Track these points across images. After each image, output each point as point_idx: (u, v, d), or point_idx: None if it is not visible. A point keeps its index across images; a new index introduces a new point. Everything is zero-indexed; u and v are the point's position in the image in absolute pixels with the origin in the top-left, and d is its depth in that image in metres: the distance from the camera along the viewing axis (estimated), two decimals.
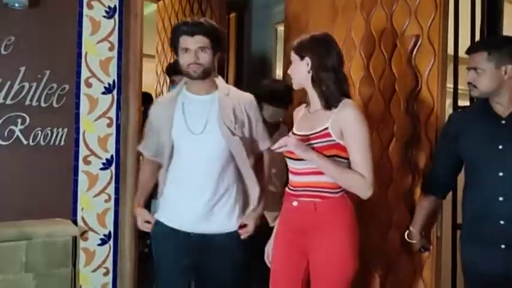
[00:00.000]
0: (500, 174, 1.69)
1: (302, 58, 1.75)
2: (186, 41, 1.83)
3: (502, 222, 1.67)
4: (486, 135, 1.78)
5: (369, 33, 2.49)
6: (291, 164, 1.79)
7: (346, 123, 1.68)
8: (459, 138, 1.87)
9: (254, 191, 1.94)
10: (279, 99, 2.35)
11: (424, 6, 2.27)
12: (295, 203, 1.75)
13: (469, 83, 1.80)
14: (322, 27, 2.70)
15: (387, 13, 2.41)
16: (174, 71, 2.61)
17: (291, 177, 1.80)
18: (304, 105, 1.89)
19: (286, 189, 1.84)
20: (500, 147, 1.71)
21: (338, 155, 1.71)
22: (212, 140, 1.85)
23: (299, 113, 1.91)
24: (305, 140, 1.72)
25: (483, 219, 1.75)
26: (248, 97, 1.99)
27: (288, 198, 1.82)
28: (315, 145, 1.70)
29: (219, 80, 1.96)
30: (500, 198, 1.68)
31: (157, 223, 1.91)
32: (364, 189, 1.67)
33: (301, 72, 1.75)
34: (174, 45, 1.90)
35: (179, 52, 1.87)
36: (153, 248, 1.95)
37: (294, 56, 1.78)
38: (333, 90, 1.72)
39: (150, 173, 2.01)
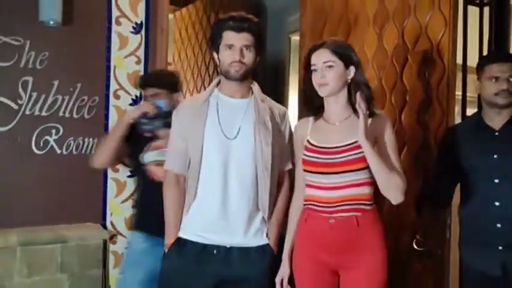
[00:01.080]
0: (496, 181, 1.86)
1: (347, 66, 1.70)
2: (231, 37, 1.72)
3: (498, 225, 1.84)
4: (482, 146, 1.95)
5: (381, 48, 2.65)
6: (318, 179, 1.71)
7: (383, 132, 1.68)
8: (456, 150, 2.03)
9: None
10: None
11: (434, 22, 2.43)
12: (331, 221, 1.66)
13: (506, 90, 1.91)
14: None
15: (399, 29, 2.57)
16: (146, 83, 2.19)
17: (316, 192, 1.71)
18: (310, 118, 1.82)
19: (309, 206, 1.74)
20: (495, 156, 1.87)
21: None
22: (245, 146, 1.75)
23: (304, 125, 1.83)
24: (339, 152, 1.68)
25: (481, 222, 1.91)
26: (283, 109, 1.91)
27: (315, 216, 1.71)
28: (356, 155, 1.66)
29: (255, 86, 1.86)
30: (497, 203, 1.85)
31: (182, 242, 1.76)
32: (400, 192, 1.65)
33: (341, 79, 1.70)
34: (214, 40, 1.78)
35: (220, 48, 1.76)
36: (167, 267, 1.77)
37: (336, 61, 1.69)
38: (370, 99, 1.71)
39: (179, 197, 1.81)
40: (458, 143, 2.03)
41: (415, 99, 2.50)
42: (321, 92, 1.72)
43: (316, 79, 1.70)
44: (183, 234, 1.78)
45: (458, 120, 2.61)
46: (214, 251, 1.74)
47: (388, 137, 1.71)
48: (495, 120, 1.96)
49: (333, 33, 2.92)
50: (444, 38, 2.39)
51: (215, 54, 1.81)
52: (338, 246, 1.68)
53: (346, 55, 1.71)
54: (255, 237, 1.78)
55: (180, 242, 1.77)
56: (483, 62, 2.04)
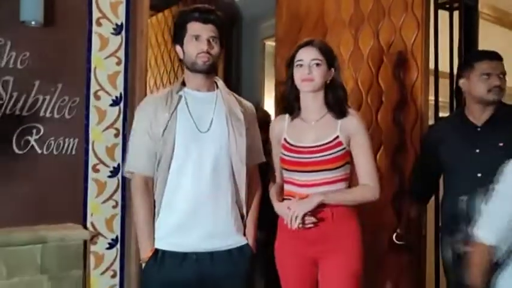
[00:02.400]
0: (479, 175, 1.98)
1: (330, 66, 1.81)
2: (197, 28, 1.72)
3: None
4: (464, 141, 2.08)
5: (357, 49, 2.79)
6: (295, 176, 1.80)
7: (355, 131, 1.78)
8: (439, 145, 2.16)
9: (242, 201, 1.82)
10: None
11: (407, 25, 2.57)
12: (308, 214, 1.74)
13: (498, 87, 2.04)
14: None
15: (374, 30, 2.71)
16: None
17: (295, 188, 1.81)
18: (286, 115, 1.90)
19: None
20: (477, 151, 2.00)
21: (349, 162, 1.82)
22: (219, 139, 1.74)
23: (280, 123, 1.91)
24: (313, 152, 1.78)
25: (463, 218, 2.02)
26: (249, 103, 1.93)
27: None
28: (331, 155, 1.76)
29: (219, 80, 1.88)
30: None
31: (160, 254, 1.73)
32: (374, 195, 1.81)
33: (323, 77, 1.79)
34: (178, 32, 1.76)
35: (185, 40, 1.74)
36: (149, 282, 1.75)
37: (323, 60, 1.79)
38: (345, 100, 1.85)
39: (151, 204, 1.75)
40: (441, 139, 2.17)
41: (390, 100, 2.63)
42: (304, 87, 1.81)
43: (301, 74, 1.79)
44: (160, 244, 1.74)
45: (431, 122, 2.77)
46: (195, 257, 1.72)
47: (360, 139, 1.80)
48: (478, 117, 2.08)
49: (309, 36, 3.03)
50: (417, 40, 2.54)
51: (178, 48, 1.79)
52: (314, 237, 1.77)
53: (331, 56, 1.84)
54: (235, 236, 1.79)
55: (158, 255, 1.73)
56: (472, 59, 2.13)
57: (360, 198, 1.81)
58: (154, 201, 1.77)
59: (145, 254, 1.74)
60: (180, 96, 1.78)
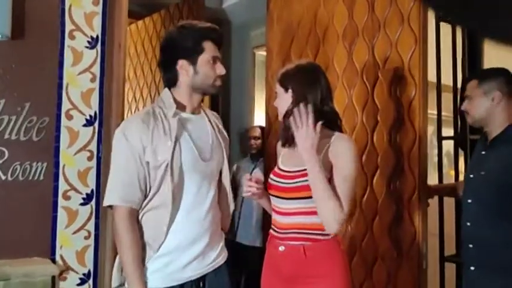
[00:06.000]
0: (469, 201, 1.98)
1: (286, 90, 1.75)
2: (214, 50, 1.76)
3: (470, 245, 1.95)
4: (470, 165, 2.10)
5: (352, 64, 2.74)
6: (276, 203, 1.77)
7: (338, 154, 1.68)
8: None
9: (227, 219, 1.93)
10: None
11: (404, 39, 2.54)
12: (281, 248, 1.72)
13: (464, 111, 2.05)
14: (305, 55, 2.95)
15: (369, 44, 2.67)
16: None
17: (276, 217, 1.78)
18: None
19: (271, 231, 1.82)
20: (471, 176, 1.98)
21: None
22: (217, 167, 1.83)
23: (280, 150, 1.91)
24: (291, 177, 1.73)
25: (462, 243, 2.05)
26: (216, 114, 1.98)
27: (272, 242, 1.79)
28: (300, 183, 1.69)
29: None
30: (468, 223, 1.97)
31: None
32: (335, 222, 1.62)
33: (285, 106, 1.74)
34: (189, 49, 1.73)
35: (200, 59, 1.73)
36: None
37: (278, 88, 1.78)
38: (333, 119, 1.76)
39: (138, 239, 1.69)
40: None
41: (386, 119, 2.58)
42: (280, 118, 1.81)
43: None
44: (156, 283, 1.70)
45: (433, 139, 2.72)
46: (191, 286, 1.74)
47: (342, 162, 1.68)
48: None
49: (301, 49, 3.00)
50: (415, 54, 2.51)
51: (184, 64, 1.74)
52: (289, 275, 1.71)
53: (284, 83, 1.77)
54: (222, 253, 1.85)
55: None
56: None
57: (326, 206, 1.61)
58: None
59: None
60: (179, 121, 1.73)
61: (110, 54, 2.55)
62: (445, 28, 2.73)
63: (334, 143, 1.72)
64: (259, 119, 4.45)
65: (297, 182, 1.70)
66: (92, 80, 2.51)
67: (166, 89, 1.79)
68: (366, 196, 2.63)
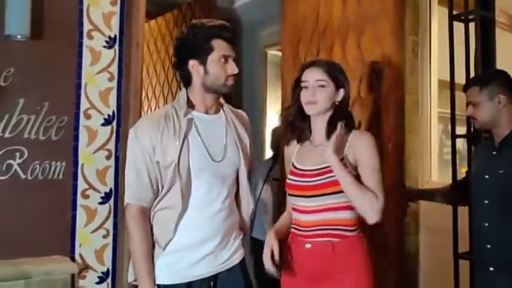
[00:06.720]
0: (486, 202, 1.98)
1: (338, 87, 1.77)
2: (225, 48, 1.73)
3: (488, 246, 1.95)
4: (481, 165, 2.09)
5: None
6: (298, 202, 1.78)
7: (361, 150, 1.72)
8: (471, 166, 2.22)
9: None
10: None
11: (388, 34, 2.48)
12: (308, 246, 1.72)
13: (470, 117, 2.09)
14: (311, 55, 2.95)
15: (356, 40, 2.63)
16: None
17: (299, 215, 1.78)
18: (294, 141, 1.89)
19: (292, 230, 1.81)
20: (487, 176, 1.99)
21: None
22: (231, 168, 1.80)
23: (291, 149, 1.91)
24: (315, 175, 1.73)
25: (476, 244, 2.05)
26: (242, 112, 1.96)
27: (295, 240, 1.78)
28: (327, 179, 1.70)
29: (221, 97, 1.88)
30: (486, 224, 1.97)
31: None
32: (375, 211, 1.66)
33: (331, 100, 1.76)
34: (198, 48, 1.71)
35: (210, 58, 1.72)
36: None
37: (328, 82, 1.76)
38: (348, 120, 1.79)
39: (149, 236, 1.73)
40: (473, 159, 2.22)
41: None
42: (308, 110, 1.77)
43: (305, 97, 1.76)
44: (163, 279, 1.72)
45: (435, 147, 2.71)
46: (201, 285, 1.74)
47: (366, 156, 1.73)
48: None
49: (307, 48, 3.00)
50: (394, 49, 2.48)
51: (195, 64, 1.74)
52: (315, 273, 1.71)
53: (337, 77, 1.79)
54: (236, 253, 1.84)
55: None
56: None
57: (363, 198, 1.66)
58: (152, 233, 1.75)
59: None
60: (189, 121, 1.74)
61: (128, 53, 2.58)
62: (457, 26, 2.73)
63: (355, 140, 1.75)
64: (270, 118, 4.47)
65: (325, 179, 1.71)
66: (110, 80, 2.54)
67: (184, 89, 1.81)
68: None
